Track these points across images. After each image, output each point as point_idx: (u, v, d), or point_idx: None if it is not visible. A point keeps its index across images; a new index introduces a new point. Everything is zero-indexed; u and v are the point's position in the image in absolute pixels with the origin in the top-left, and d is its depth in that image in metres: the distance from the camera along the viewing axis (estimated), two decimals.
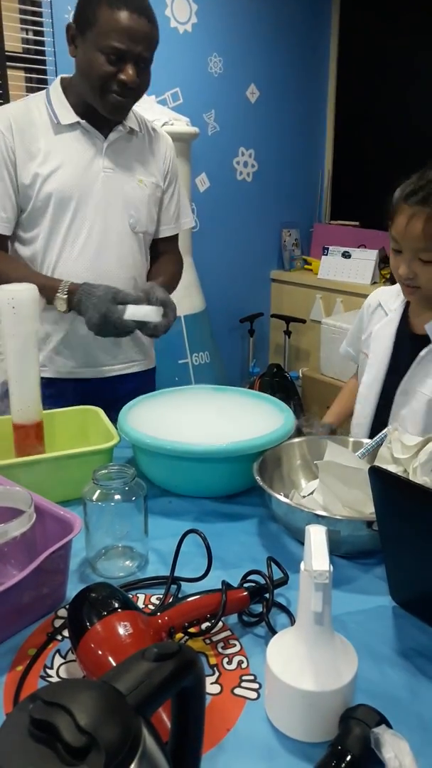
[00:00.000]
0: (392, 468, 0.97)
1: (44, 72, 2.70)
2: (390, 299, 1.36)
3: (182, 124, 2.71)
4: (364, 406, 1.32)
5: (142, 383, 1.57)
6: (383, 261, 3.23)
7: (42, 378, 1.19)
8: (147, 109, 2.65)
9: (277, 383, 3.42)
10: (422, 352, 1.25)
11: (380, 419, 1.31)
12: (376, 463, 0.93)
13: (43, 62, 2.69)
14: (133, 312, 1.26)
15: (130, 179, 1.43)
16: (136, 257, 1.48)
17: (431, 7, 3.20)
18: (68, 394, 1.44)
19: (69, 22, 1.29)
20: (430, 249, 1.14)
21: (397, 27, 3.37)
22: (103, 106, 1.31)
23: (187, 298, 2.89)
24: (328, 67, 3.73)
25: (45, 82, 2.70)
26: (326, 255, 3.44)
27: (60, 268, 1.39)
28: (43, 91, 1.40)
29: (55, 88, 1.38)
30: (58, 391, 1.43)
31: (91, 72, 1.26)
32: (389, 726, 0.58)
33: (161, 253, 1.58)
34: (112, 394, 1.39)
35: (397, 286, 1.34)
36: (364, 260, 3.28)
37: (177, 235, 1.61)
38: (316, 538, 0.61)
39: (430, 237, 1.12)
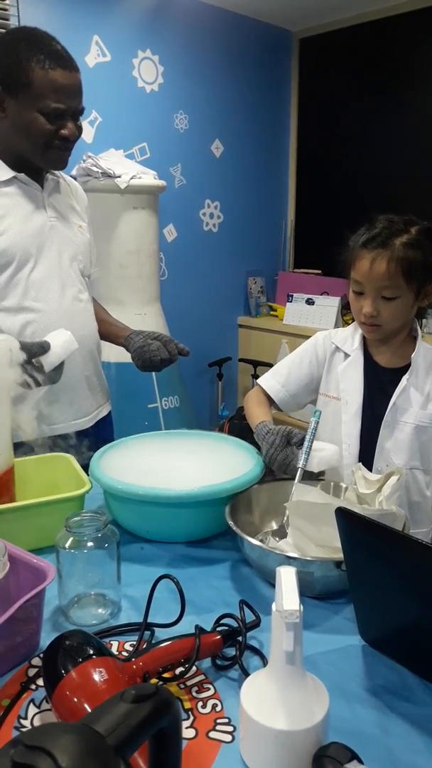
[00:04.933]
0: (358, 509, 1.00)
1: None
2: (346, 341, 1.40)
3: (150, 178, 2.80)
4: (351, 446, 1.34)
5: (100, 430, 1.55)
6: (345, 307, 3.34)
7: None
8: (116, 162, 2.74)
9: (246, 426, 3.43)
10: (402, 383, 1.30)
11: (365, 455, 1.34)
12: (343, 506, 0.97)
13: None
14: (50, 361, 1.21)
15: (71, 226, 1.46)
16: (89, 300, 1.52)
17: (384, 67, 3.41)
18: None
19: None
20: (392, 287, 1.22)
21: (353, 86, 3.58)
22: (45, 162, 1.34)
23: None
24: (289, 123, 3.91)
25: None
26: (291, 302, 3.54)
27: (34, 320, 1.36)
28: None
29: None
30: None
31: (31, 132, 1.27)
32: (361, 762, 0.59)
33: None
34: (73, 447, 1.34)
35: (348, 330, 1.41)
36: (327, 307, 3.39)
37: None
38: (287, 578, 0.63)
39: (392, 275, 1.21)
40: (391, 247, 1.21)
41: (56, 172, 1.47)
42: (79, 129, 1.33)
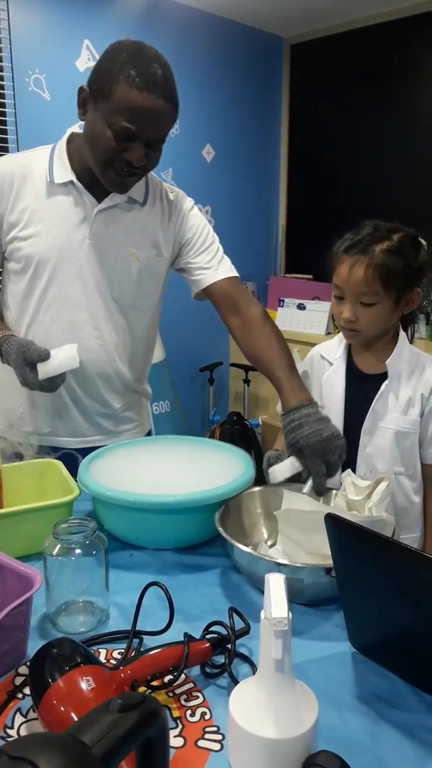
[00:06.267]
0: (348, 516, 1.00)
1: (5, 132, 2.77)
2: (331, 350, 1.42)
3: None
4: None
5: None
6: None
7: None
8: None
9: (237, 431, 3.46)
10: (381, 388, 1.30)
11: (349, 462, 1.34)
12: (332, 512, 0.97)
13: (4, 122, 2.76)
14: (45, 371, 1.20)
15: (119, 250, 1.34)
16: (120, 331, 1.40)
17: (374, 73, 3.43)
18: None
19: (82, 85, 1.21)
20: (370, 293, 1.23)
21: (344, 92, 3.59)
22: (104, 180, 1.25)
23: None
24: (280, 128, 3.92)
25: (5, 143, 2.77)
26: (282, 307, 3.55)
27: (33, 331, 1.35)
28: (53, 144, 1.34)
29: (61, 142, 1.33)
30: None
31: (97, 144, 1.20)
32: None
33: (235, 313, 1.37)
34: None
35: (335, 339, 1.43)
36: (319, 312, 3.40)
37: (236, 279, 1.42)
38: (275, 586, 0.63)
39: (370, 282, 1.22)
40: (371, 253, 1.22)
41: (149, 192, 1.38)
42: (152, 159, 1.23)
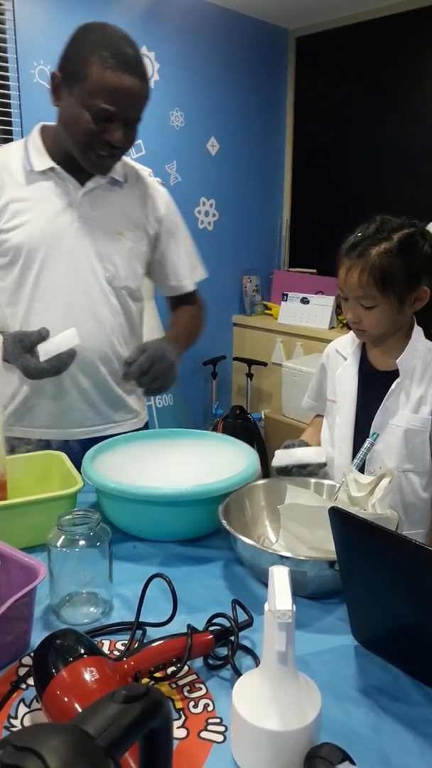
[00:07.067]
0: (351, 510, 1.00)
1: (9, 124, 2.76)
2: (346, 345, 1.41)
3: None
4: (342, 448, 1.34)
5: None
6: (340, 307, 3.34)
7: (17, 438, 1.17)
8: None
9: (240, 425, 3.46)
10: (393, 386, 1.29)
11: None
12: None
13: (9, 114, 2.75)
14: (46, 350, 1.20)
15: (108, 231, 1.36)
16: (115, 313, 1.41)
17: (380, 66, 3.41)
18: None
19: (54, 71, 1.22)
20: (367, 296, 1.22)
21: (349, 85, 3.57)
22: (85, 162, 1.27)
23: None
24: (285, 121, 3.91)
25: (10, 135, 2.76)
26: (286, 300, 3.54)
27: (29, 322, 1.34)
28: (24, 138, 1.36)
29: (34, 134, 1.35)
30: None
31: (76, 128, 1.21)
32: (353, 763, 0.59)
33: (177, 307, 1.58)
34: None
35: (350, 334, 1.42)
36: (322, 306, 3.39)
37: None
38: (279, 578, 0.63)
39: (364, 286, 1.21)
40: (367, 257, 1.20)
41: (128, 173, 1.41)
42: (129, 139, 1.26)
